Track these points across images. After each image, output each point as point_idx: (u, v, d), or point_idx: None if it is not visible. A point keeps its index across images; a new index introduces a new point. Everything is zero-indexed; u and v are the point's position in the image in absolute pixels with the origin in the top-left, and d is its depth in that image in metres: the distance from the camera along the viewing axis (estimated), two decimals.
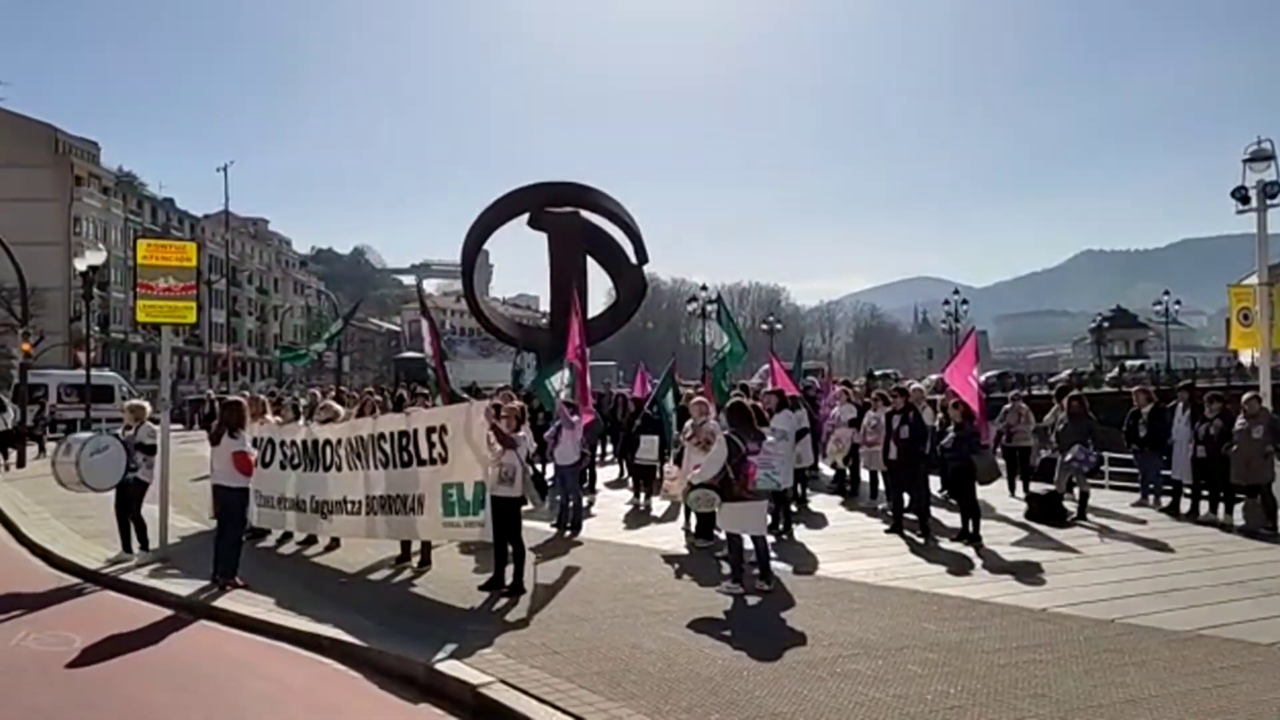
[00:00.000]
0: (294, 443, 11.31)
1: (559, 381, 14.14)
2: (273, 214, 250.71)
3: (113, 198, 78.46)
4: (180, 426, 36.73)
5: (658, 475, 14.92)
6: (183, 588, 9.76)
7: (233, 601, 9.16)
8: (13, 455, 23.34)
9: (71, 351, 61.65)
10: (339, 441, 10.85)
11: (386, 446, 10.13)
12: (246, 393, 17.74)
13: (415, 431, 9.87)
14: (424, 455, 9.75)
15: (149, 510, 11.53)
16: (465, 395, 15.60)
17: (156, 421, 12.04)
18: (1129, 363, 71.60)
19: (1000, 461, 14.41)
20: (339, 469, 10.80)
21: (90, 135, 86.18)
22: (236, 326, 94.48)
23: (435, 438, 9.67)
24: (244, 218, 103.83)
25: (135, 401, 12.25)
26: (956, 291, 65.49)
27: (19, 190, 65.78)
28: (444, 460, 9.60)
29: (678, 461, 12.80)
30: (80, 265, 30.17)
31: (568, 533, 12.73)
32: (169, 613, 9.11)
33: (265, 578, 10.07)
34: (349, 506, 10.64)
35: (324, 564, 11.04)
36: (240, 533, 10.20)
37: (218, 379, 77.90)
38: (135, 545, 11.32)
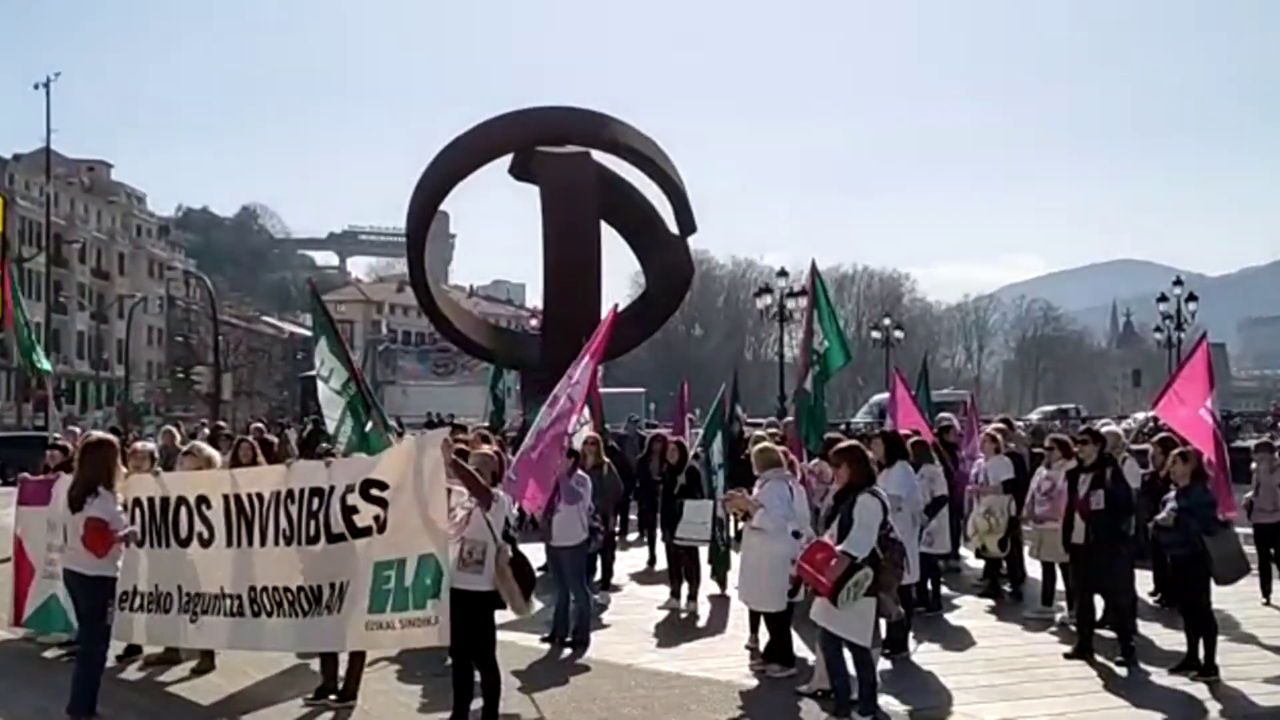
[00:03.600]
0: (143, 503, 11.36)
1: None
2: (117, 156, 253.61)
3: None
4: None
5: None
6: None
7: None
8: None
9: None
10: (203, 500, 10.92)
11: (294, 510, 10.24)
12: (77, 429, 17.87)
13: (333, 489, 10.00)
14: (341, 523, 9.87)
15: None
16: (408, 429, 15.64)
17: None
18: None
19: (1248, 548, 14.23)
20: (206, 542, 10.87)
21: None
22: (60, 327, 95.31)
23: (356, 498, 9.80)
24: (75, 160, 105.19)
25: None
26: (1179, 282, 64.88)
27: None
28: (380, 528, 9.71)
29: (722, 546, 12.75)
30: None
31: (568, 650, 12.73)
32: None
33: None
34: (224, 604, 10.70)
35: (189, 697, 11.05)
36: (104, 647, 10.31)
37: (29, 407, 78.77)
38: None
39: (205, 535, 10.89)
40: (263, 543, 10.47)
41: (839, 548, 9.71)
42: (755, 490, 11.71)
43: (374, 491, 9.76)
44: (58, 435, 20.94)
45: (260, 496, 10.54)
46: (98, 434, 12.13)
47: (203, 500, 10.96)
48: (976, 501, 15.82)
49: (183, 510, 11.02)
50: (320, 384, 13.02)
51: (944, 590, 15.49)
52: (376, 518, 9.73)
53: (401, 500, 9.62)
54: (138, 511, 11.33)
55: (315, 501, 10.09)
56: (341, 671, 10.77)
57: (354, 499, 9.84)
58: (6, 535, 14.74)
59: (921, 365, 23.83)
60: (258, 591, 10.45)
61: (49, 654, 12.50)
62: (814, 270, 16.02)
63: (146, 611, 11.32)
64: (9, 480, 36.56)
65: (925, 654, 12.48)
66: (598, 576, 16.11)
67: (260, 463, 12.23)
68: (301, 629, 10.19)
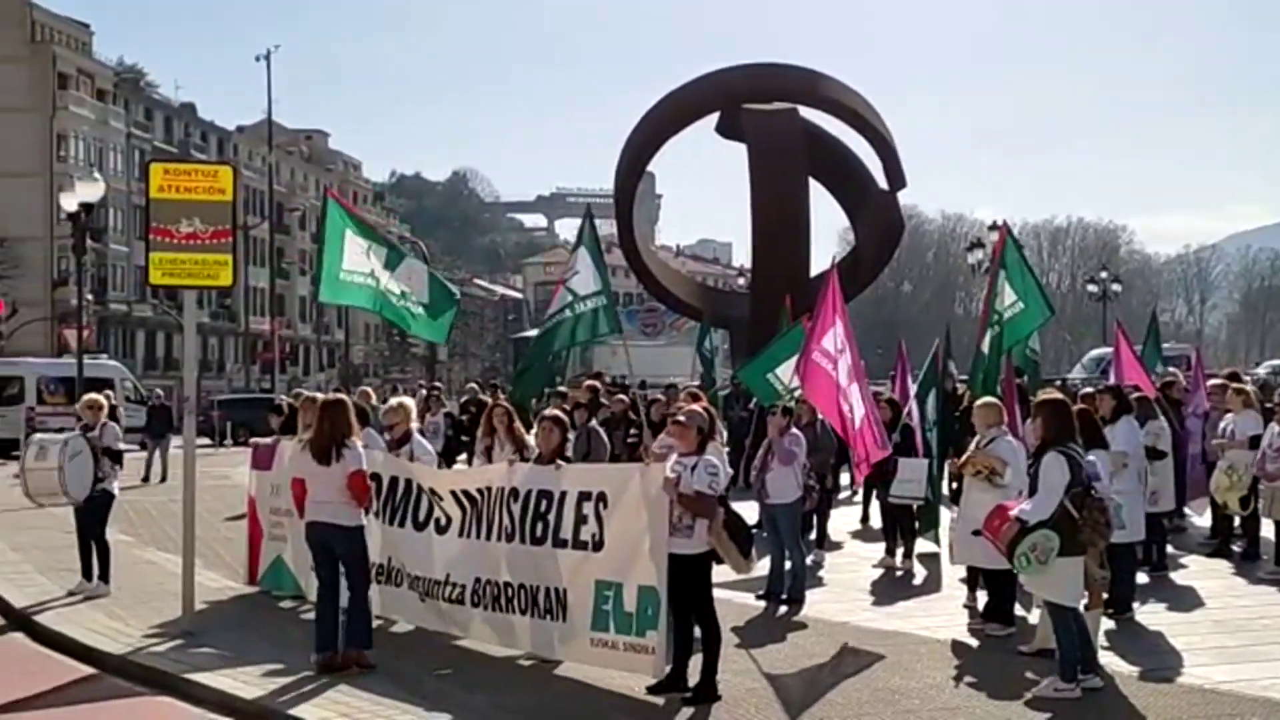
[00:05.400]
0: (380, 479, 11.74)
1: (790, 371, 13.98)
2: (334, 125, 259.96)
3: (111, 105, 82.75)
4: (207, 441, 39.02)
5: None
6: (234, 681, 10.19)
7: (314, 708, 9.51)
8: None
9: (56, 330, 65.92)
10: (435, 491, 11.38)
11: (516, 508, 10.52)
12: (302, 390, 18.55)
13: (564, 495, 10.21)
14: (570, 530, 10.08)
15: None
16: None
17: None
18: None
19: None
20: (442, 529, 11.31)
21: (79, 15, 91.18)
22: (284, 292, 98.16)
23: (590, 509, 9.97)
24: (293, 130, 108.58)
25: (94, 395, 14.62)
26: None
27: None
28: (595, 546, 9.92)
29: (955, 500, 12.61)
30: (69, 204, 31.92)
31: (783, 608, 12.84)
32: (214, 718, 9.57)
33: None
34: (449, 591, 11.15)
35: (419, 640, 11.44)
36: (367, 588, 10.73)
37: (256, 368, 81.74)
38: (95, 573, 13.76)
39: (443, 522, 11.28)
40: (488, 536, 10.79)
41: (1013, 511, 9.47)
42: (975, 447, 11.57)
43: (600, 507, 9.94)
44: (283, 397, 21.73)
45: (487, 491, 10.88)
46: (332, 395, 12.45)
47: (435, 491, 11.39)
48: (1221, 456, 15.35)
49: (424, 498, 11.46)
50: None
51: (1170, 550, 15.15)
52: (594, 535, 9.94)
53: (622, 525, 9.80)
54: (374, 483, 11.76)
55: (544, 503, 10.30)
56: None
57: (587, 508, 10.02)
58: (239, 493, 15.42)
59: (1150, 320, 23.22)
60: (481, 584, 10.80)
61: (284, 604, 13.09)
62: (1005, 229, 15.62)
63: (378, 583, 11.76)
64: (239, 440, 38.36)
65: (1151, 615, 12.26)
66: (813, 535, 16.16)
67: (515, 426, 12.48)
68: (534, 631, 10.44)
